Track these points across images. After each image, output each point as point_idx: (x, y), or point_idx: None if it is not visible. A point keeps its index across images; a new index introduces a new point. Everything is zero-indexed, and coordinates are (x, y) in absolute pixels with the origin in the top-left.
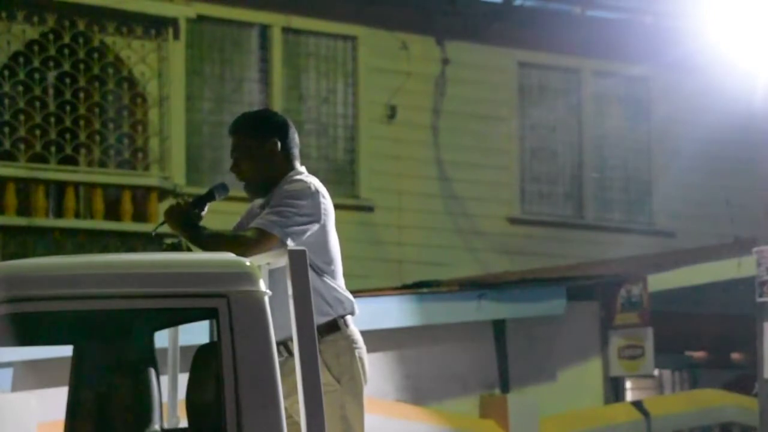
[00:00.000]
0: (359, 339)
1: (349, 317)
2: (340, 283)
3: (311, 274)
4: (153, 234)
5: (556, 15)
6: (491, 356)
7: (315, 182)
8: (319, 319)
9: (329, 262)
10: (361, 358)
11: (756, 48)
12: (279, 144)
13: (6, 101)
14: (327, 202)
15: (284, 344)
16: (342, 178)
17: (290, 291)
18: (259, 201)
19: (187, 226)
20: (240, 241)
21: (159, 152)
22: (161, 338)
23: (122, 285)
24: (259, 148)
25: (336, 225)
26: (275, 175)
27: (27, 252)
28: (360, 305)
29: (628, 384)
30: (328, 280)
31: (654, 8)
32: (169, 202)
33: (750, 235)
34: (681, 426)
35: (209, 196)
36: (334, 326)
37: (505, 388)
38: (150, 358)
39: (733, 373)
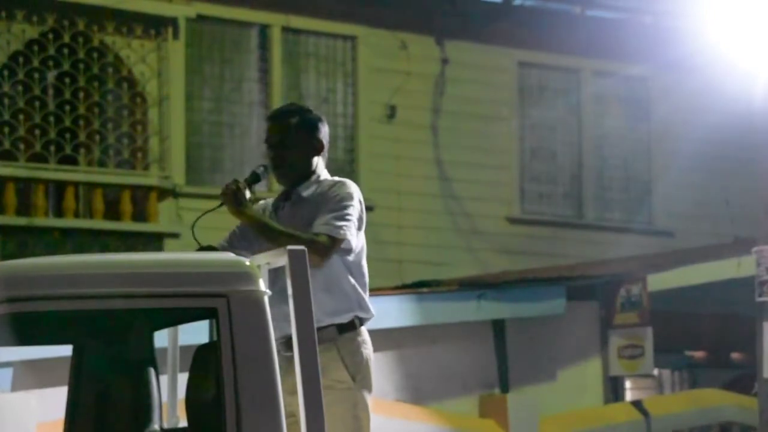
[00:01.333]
0: (369, 340)
1: (364, 320)
2: (366, 289)
3: (343, 274)
4: (194, 225)
5: (556, 15)
6: (491, 356)
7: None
8: (341, 318)
9: (361, 267)
10: (370, 359)
11: (756, 48)
12: (324, 143)
13: (6, 101)
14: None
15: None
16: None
17: (290, 291)
18: (265, 202)
19: (249, 212)
20: (317, 247)
21: (159, 152)
22: (161, 338)
23: (122, 285)
24: (308, 142)
25: None
26: (311, 172)
27: (26, 252)
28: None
29: (628, 384)
30: (357, 285)
31: (654, 8)
32: (169, 201)
33: (750, 235)
34: (681, 426)
35: (255, 178)
36: (352, 325)
37: (505, 387)
38: (150, 357)
39: (733, 372)
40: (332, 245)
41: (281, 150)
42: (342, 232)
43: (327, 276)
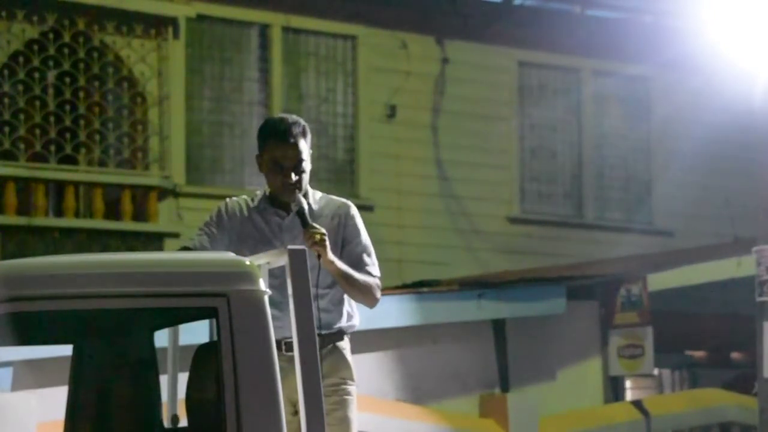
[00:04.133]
0: None
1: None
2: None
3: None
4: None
5: (556, 14)
6: (491, 356)
7: None
8: (342, 325)
9: None
10: None
11: (756, 48)
12: None
13: (6, 100)
14: None
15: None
16: (342, 178)
17: (290, 291)
18: (236, 204)
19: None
20: (378, 290)
21: (159, 151)
22: (161, 338)
23: (122, 284)
24: (309, 162)
25: None
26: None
27: (27, 251)
28: (360, 304)
29: (628, 383)
30: (354, 302)
31: (654, 8)
32: (169, 201)
33: (750, 235)
34: (681, 425)
35: (304, 217)
36: (347, 332)
37: (505, 387)
38: (150, 357)
39: (733, 372)
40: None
41: (299, 173)
42: (379, 274)
43: (338, 292)
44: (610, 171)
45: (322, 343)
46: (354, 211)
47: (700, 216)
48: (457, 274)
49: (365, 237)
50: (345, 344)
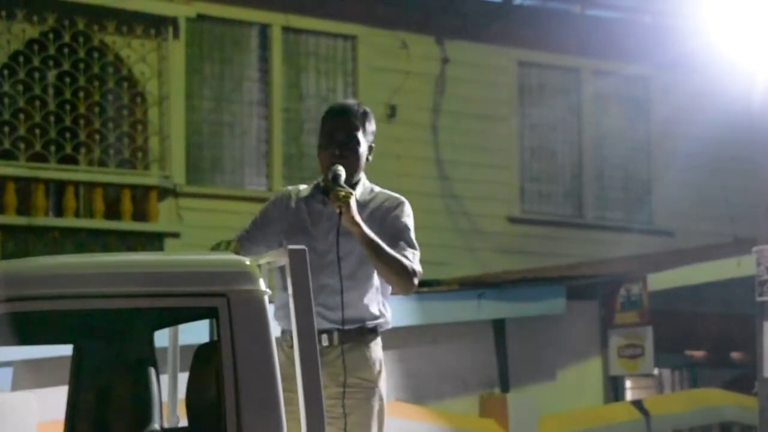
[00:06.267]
0: None
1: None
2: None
3: (378, 289)
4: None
5: (556, 14)
6: (491, 355)
7: None
8: (371, 323)
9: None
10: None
11: (756, 48)
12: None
13: (6, 100)
14: None
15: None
16: None
17: (290, 290)
18: (288, 192)
19: (361, 224)
20: (415, 279)
21: (159, 151)
22: (161, 338)
23: (122, 284)
24: (365, 146)
25: None
26: (357, 179)
27: (27, 251)
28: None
29: (628, 383)
30: (385, 300)
31: (653, 7)
32: (169, 201)
33: (750, 235)
34: (681, 425)
35: (339, 179)
36: (377, 330)
37: (505, 387)
38: (150, 357)
39: (733, 372)
40: (418, 280)
41: (349, 154)
42: (420, 269)
43: (371, 288)
44: (610, 171)
45: (342, 339)
46: (405, 204)
47: (700, 216)
48: (457, 274)
49: (410, 225)
50: (370, 342)
